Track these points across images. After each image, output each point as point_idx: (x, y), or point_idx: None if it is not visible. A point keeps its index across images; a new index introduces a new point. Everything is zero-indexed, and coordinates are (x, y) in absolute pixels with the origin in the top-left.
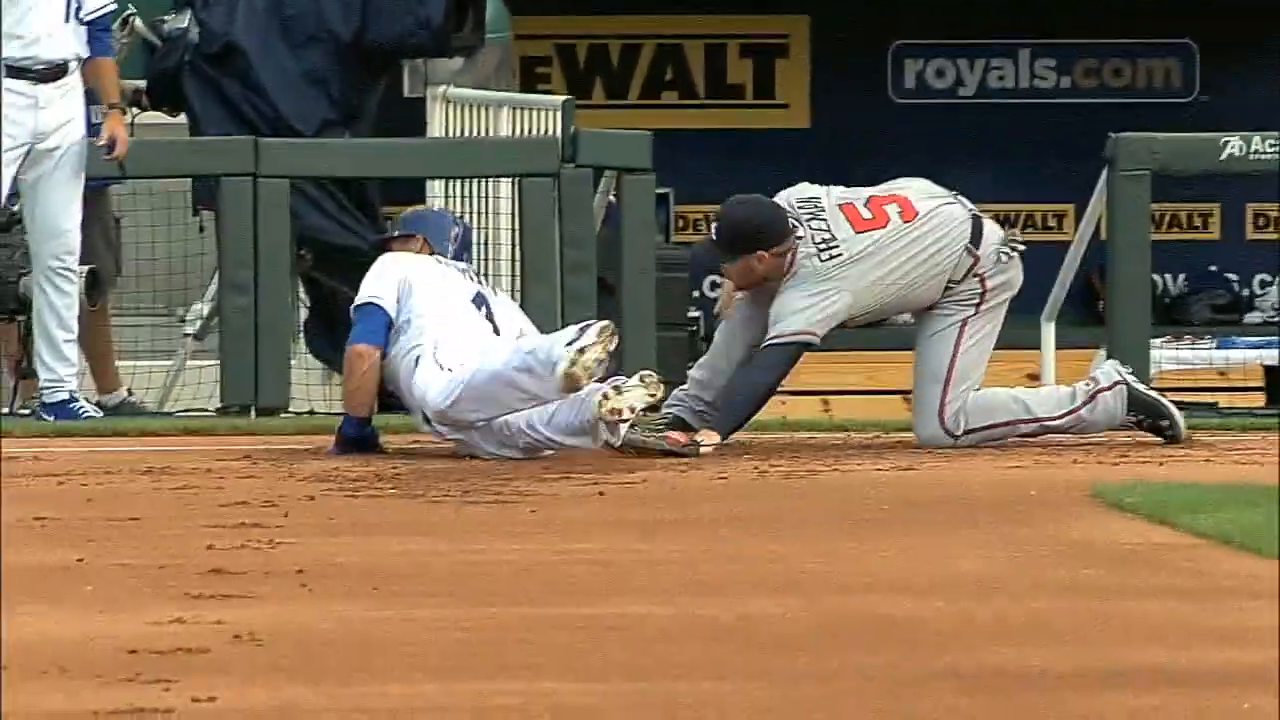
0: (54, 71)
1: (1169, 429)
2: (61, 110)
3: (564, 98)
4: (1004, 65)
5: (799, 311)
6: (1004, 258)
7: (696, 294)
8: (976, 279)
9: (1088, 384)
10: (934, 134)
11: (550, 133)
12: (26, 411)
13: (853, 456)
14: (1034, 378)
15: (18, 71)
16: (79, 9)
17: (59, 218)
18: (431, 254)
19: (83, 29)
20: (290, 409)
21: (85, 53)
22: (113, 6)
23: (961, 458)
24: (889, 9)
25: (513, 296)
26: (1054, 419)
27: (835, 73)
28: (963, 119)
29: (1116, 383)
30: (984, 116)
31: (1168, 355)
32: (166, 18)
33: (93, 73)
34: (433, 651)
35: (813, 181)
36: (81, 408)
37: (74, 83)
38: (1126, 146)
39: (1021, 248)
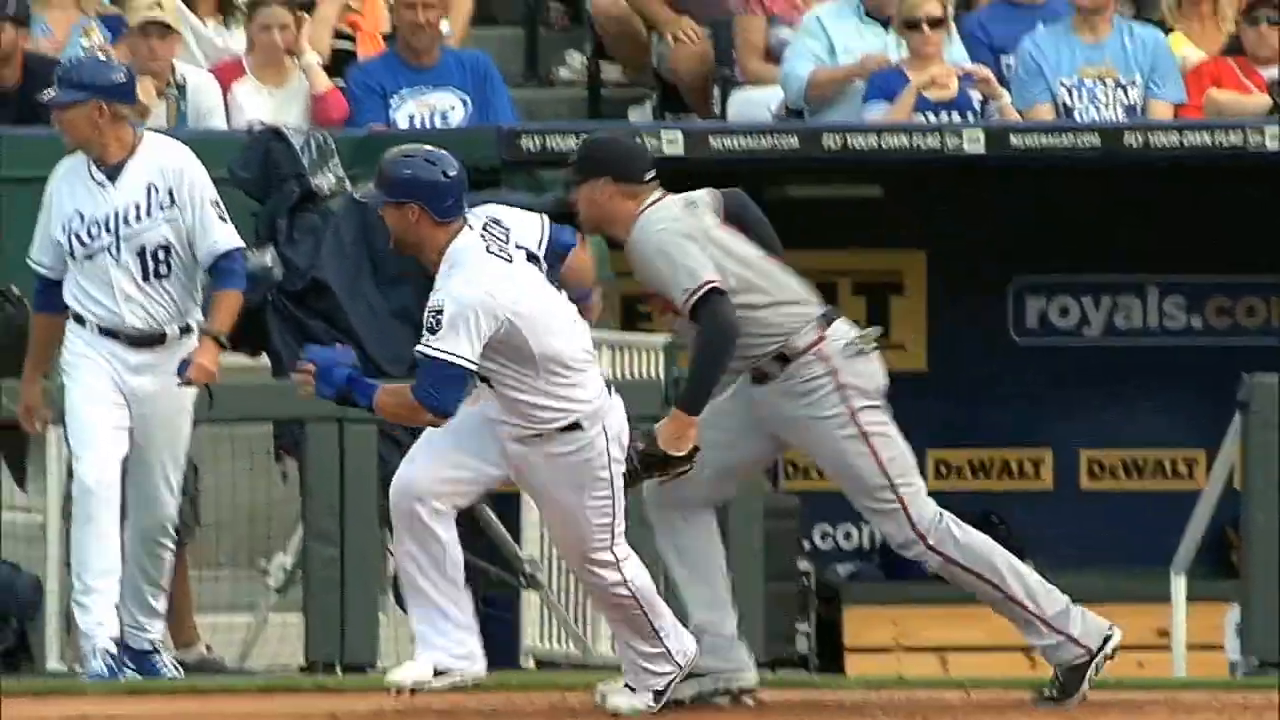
0: (144, 339)
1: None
2: (159, 378)
3: (666, 337)
4: (1130, 303)
5: (681, 268)
6: (853, 352)
7: (808, 544)
8: (823, 364)
9: (1066, 616)
10: (1058, 375)
11: (653, 374)
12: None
13: (973, 715)
14: (1164, 633)
15: (107, 332)
16: (157, 269)
17: (157, 486)
18: (443, 223)
19: (165, 292)
20: (379, 665)
21: (185, 320)
22: (232, 246)
23: (1084, 717)
24: (1009, 244)
25: None
26: (1035, 613)
27: (954, 311)
28: (1088, 360)
29: (1084, 654)
30: (1110, 358)
31: None
32: (249, 254)
33: (213, 303)
34: None
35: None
36: (162, 663)
37: (178, 350)
38: (1262, 389)
39: (875, 346)
